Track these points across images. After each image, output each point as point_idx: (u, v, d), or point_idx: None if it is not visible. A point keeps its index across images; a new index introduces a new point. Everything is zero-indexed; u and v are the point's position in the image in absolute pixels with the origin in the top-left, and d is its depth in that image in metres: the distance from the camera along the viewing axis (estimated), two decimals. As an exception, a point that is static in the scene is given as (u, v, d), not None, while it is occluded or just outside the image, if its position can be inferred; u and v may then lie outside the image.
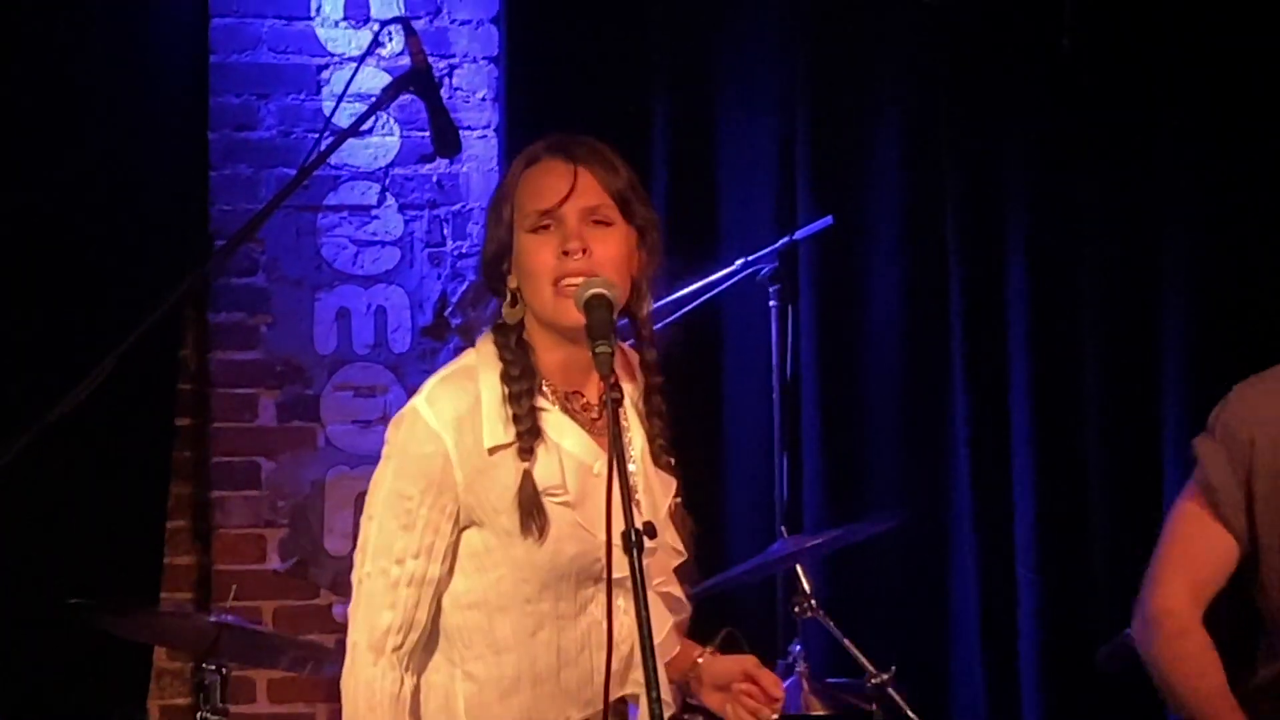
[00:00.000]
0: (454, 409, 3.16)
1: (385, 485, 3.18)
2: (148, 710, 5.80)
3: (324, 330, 5.94)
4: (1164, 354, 5.81)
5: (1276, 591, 3.69)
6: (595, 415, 3.23)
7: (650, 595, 2.91)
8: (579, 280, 3.13)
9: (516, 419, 3.15)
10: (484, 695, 3.21)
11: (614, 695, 3.15)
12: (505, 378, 3.17)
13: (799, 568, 4.89)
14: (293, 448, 5.87)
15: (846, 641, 4.84)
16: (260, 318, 5.93)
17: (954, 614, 5.93)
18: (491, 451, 3.14)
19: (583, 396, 3.24)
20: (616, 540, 2.94)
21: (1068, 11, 5.82)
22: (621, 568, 3.02)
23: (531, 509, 3.13)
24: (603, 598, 3.15)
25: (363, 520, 3.23)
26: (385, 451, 3.21)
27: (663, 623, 3.26)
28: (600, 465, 3.18)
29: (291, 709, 5.86)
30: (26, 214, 5.61)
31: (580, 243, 3.15)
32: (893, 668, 4.80)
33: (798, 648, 5.02)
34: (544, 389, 3.21)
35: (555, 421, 3.20)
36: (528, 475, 3.14)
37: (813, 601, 4.88)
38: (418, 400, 3.19)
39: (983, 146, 5.94)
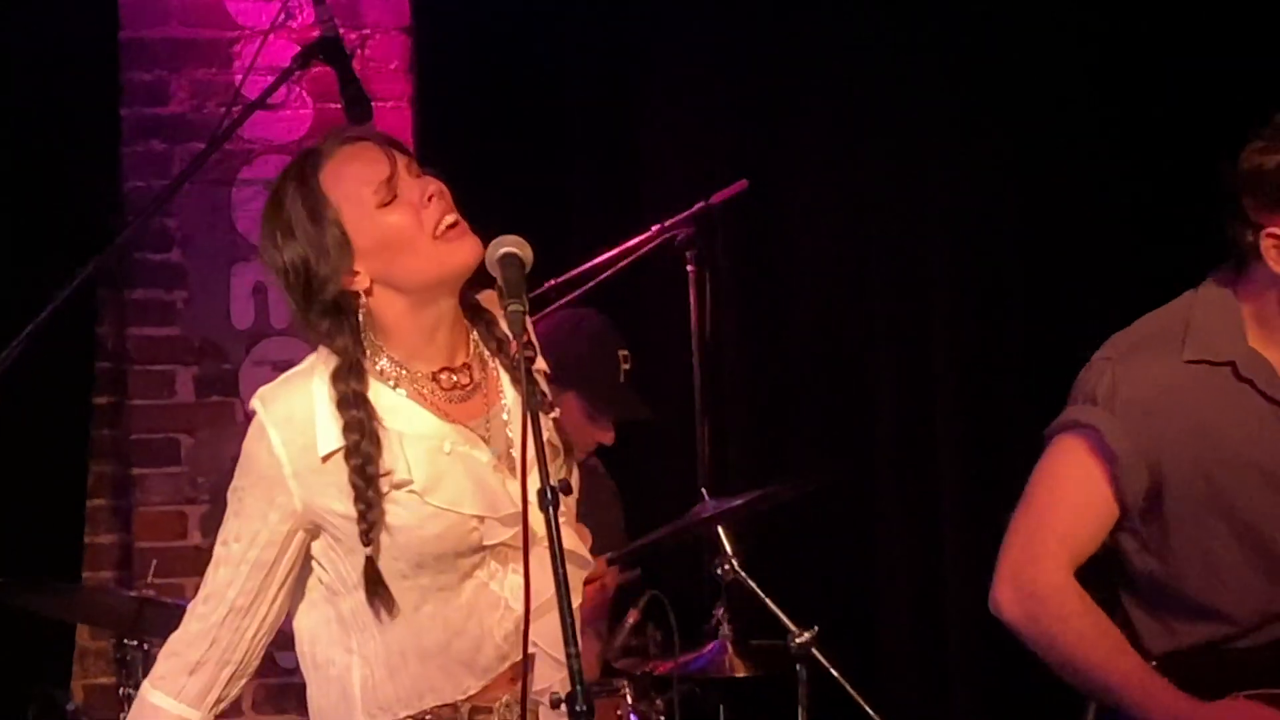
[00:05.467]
0: (286, 409, 3.17)
1: (235, 476, 3.25)
2: (71, 689, 5.78)
3: (241, 305, 5.92)
4: (1086, 317, 5.85)
5: (1193, 574, 3.67)
6: (466, 382, 3.23)
7: (543, 555, 2.90)
8: (452, 218, 3.16)
9: (346, 427, 3.14)
10: (375, 675, 3.21)
11: (514, 658, 3.16)
12: (339, 388, 3.16)
13: (721, 529, 4.90)
14: (212, 423, 5.85)
15: (769, 602, 4.85)
16: (177, 294, 5.91)
17: (879, 573, 5.96)
18: (325, 459, 3.15)
19: (451, 373, 3.24)
20: (532, 498, 2.94)
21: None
22: (502, 534, 3.08)
23: (372, 526, 3.14)
24: (489, 563, 3.17)
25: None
26: (236, 471, 3.25)
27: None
28: (450, 443, 3.17)
29: (216, 684, 5.83)
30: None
31: (434, 186, 3.18)
32: (815, 627, 4.81)
33: (721, 610, 5.03)
34: (397, 376, 3.20)
35: (398, 411, 3.18)
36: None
37: (735, 563, 4.89)
38: (256, 400, 3.21)
39: (903, 113, 5.96)
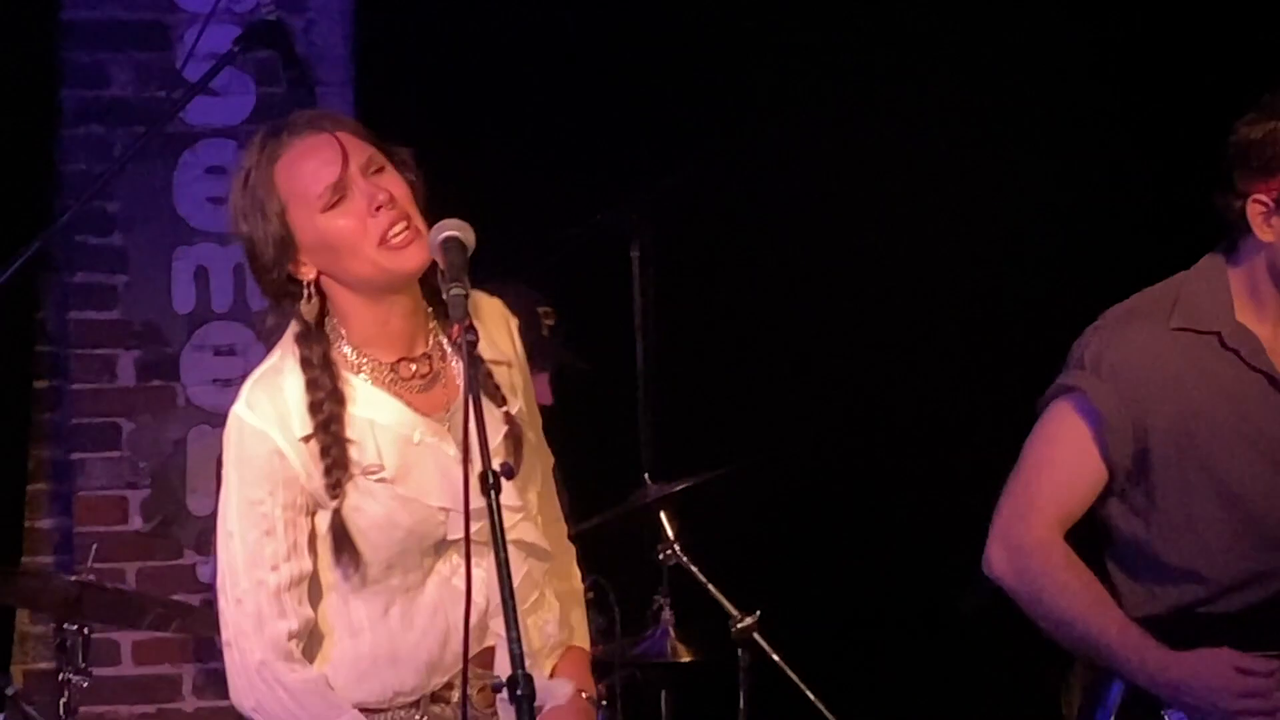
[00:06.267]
0: (272, 406, 3.16)
1: (234, 498, 3.19)
2: (10, 674, 5.75)
3: (182, 289, 5.90)
4: (1031, 305, 5.87)
5: (1175, 536, 3.74)
6: (426, 371, 3.23)
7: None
8: (400, 227, 3.14)
9: (313, 407, 3.14)
10: (341, 680, 3.20)
11: (474, 650, 3.15)
12: (304, 365, 3.17)
13: (663, 514, 4.91)
14: (153, 408, 5.83)
15: (711, 587, 4.87)
16: (117, 277, 5.88)
17: (822, 557, 5.97)
18: (305, 440, 3.14)
19: (410, 362, 3.23)
20: (474, 486, 2.94)
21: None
22: (461, 526, 3.05)
23: (342, 538, 3.14)
24: (451, 558, 3.17)
25: (220, 540, 3.22)
26: (224, 468, 3.21)
27: (516, 570, 3.25)
28: (419, 434, 3.17)
29: (157, 670, 5.83)
30: None
31: (384, 194, 3.15)
32: (758, 611, 4.83)
33: (663, 595, 5.04)
34: (359, 364, 3.20)
35: (368, 398, 3.18)
36: (336, 467, 3.14)
37: (677, 548, 4.90)
38: (237, 407, 3.19)
39: (851, 98, 5.98)
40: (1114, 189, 5.91)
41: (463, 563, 3.11)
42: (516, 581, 3.17)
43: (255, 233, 3.17)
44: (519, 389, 3.33)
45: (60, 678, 4.66)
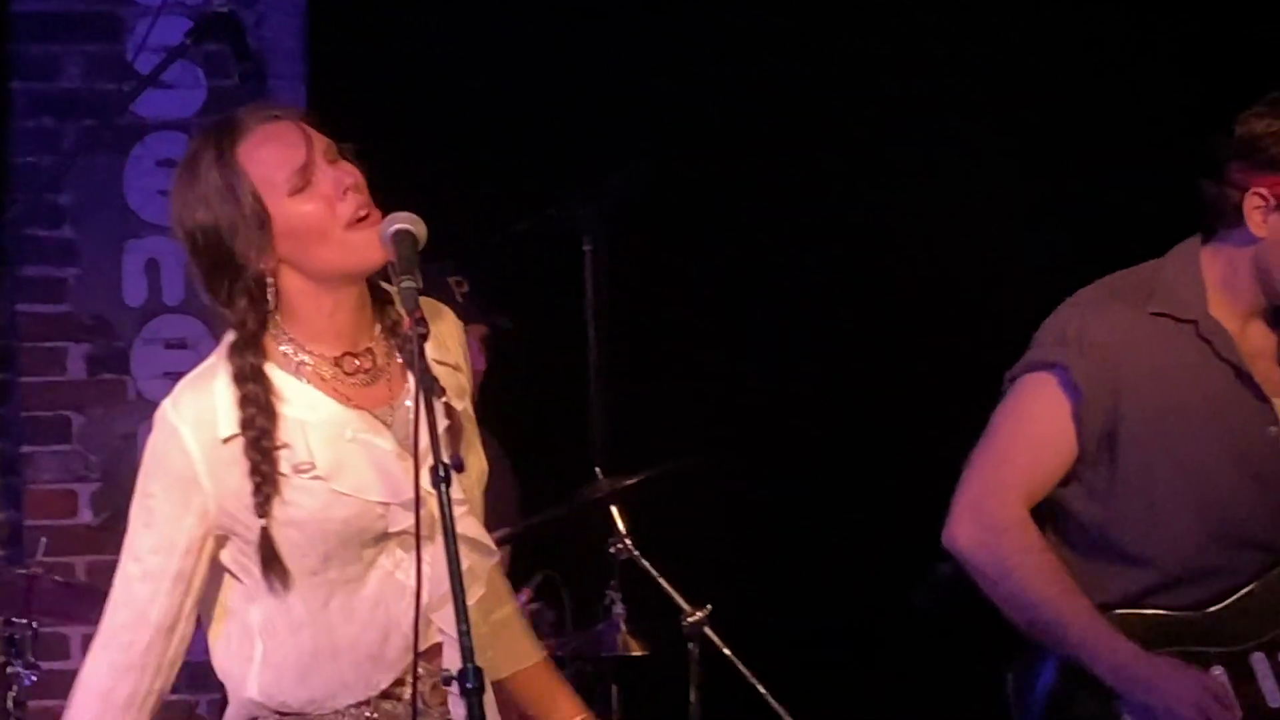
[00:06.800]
0: (194, 407, 3.13)
1: (136, 490, 3.17)
2: (-42, 668, 5.74)
3: (133, 282, 5.88)
4: (968, 304, 5.90)
5: (1133, 520, 3.75)
6: (369, 367, 3.21)
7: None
8: (366, 211, 3.12)
9: (244, 424, 3.10)
10: (284, 680, 3.17)
11: (421, 646, 3.14)
12: (236, 380, 3.13)
13: (614, 508, 4.92)
14: (103, 401, 5.81)
15: (662, 581, 4.87)
16: (68, 270, 5.86)
17: (772, 551, 5.99)
18: (226, 440, 3.11)
19: (354, 357, 3.22)
20: (425, 482, 2.94)
21: None
22: (407, 521, 3.04)
23: (267, 498, 3.10)
24: (394, 552, 3.14)
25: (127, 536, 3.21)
26: (142, 466, 3.17)
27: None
28: (351, 430, 3.14)
29: (106, 664, 5.80)
30: None
31: (351, 178, 3.13)
32: (709, 606, 4.84)
33: (614, 589, 5.04)
34: (299, 363, 3.17)
35: (301, 398, 3.15)
36: (262, 473, 3.10)
37: (628, 541, 4.90)
38: (165, 402, 3.17)
39: (802, 96, 6.00)
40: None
41: (405, 556, 3.11)
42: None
43: (223, 218, 3.10)
44: (466, 395, 3.31)
45: (9, 672, 4.64)
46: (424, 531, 3.00)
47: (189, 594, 3.15)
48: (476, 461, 3.30)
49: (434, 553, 3.02)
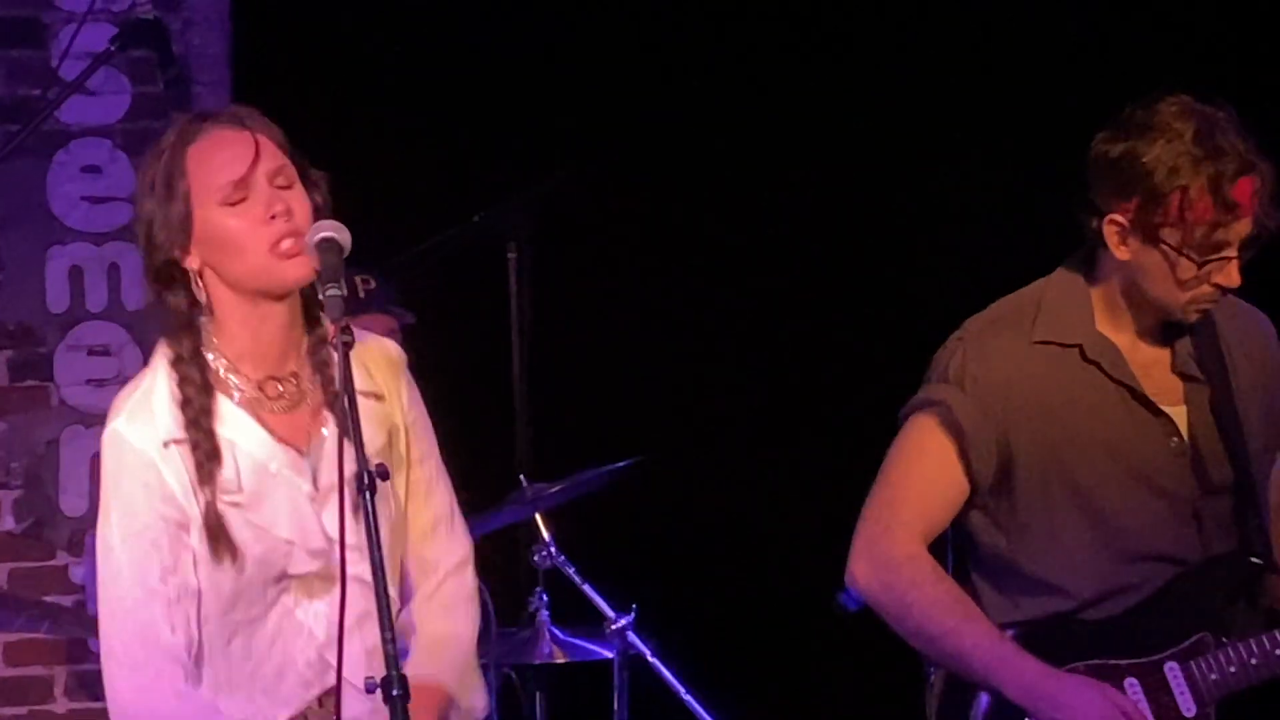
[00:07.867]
0: (147, 424, 3.16)
1: (114, 513, 3.16)
2: (-120, 678, 5.71)
3: (56, 288, 5.86)
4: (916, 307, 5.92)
5: (1038, 550, 3.77)
6: (291, 391, 3.21)
7: (351, 589, 2.94)
8: (292, 241, 3.13)
9: (188, 426, 3.14)
10: None
11: (317, 689, 3.16)
12: (182, 384, 3.16)
13: (539, 516, 4.93)
14: (26, 407, 5.78)
15: (587, 588, 4.89)
16: (-10, 277, 5.85)
17: (699, 557, 6.00)
18: (169, 445, 3.14)
19: (277, 382, 3.22)
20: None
21: None
22: (309, 565, 3.09)
23: (218, 533, 3.12)
24: (293, 592, 3.16)
25: (100, 554, 3.19)
26: (103, 487, 3.18)
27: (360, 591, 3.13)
28: (276, 464, 3.17)
29: (29, 671, 5.78)
30: None
31: (283, 204, 3.15)
32: (632, 613, 4.86)
33: (539, 596, 5.05)
34: (226, 381, 3.19)
35: (232, 419, 3.18)
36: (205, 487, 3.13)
37: (553, 549, 4.91)
38: (114, 424, 3.18)
39: (731, 100, 6.02)
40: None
41: (305, 598, 3.15)
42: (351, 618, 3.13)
43: (157, 210, 3.15)
44: (393, 429, 3.28)
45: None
46: (324, 574, 3.03)
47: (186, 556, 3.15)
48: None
49: (329, 594, 3.07)
